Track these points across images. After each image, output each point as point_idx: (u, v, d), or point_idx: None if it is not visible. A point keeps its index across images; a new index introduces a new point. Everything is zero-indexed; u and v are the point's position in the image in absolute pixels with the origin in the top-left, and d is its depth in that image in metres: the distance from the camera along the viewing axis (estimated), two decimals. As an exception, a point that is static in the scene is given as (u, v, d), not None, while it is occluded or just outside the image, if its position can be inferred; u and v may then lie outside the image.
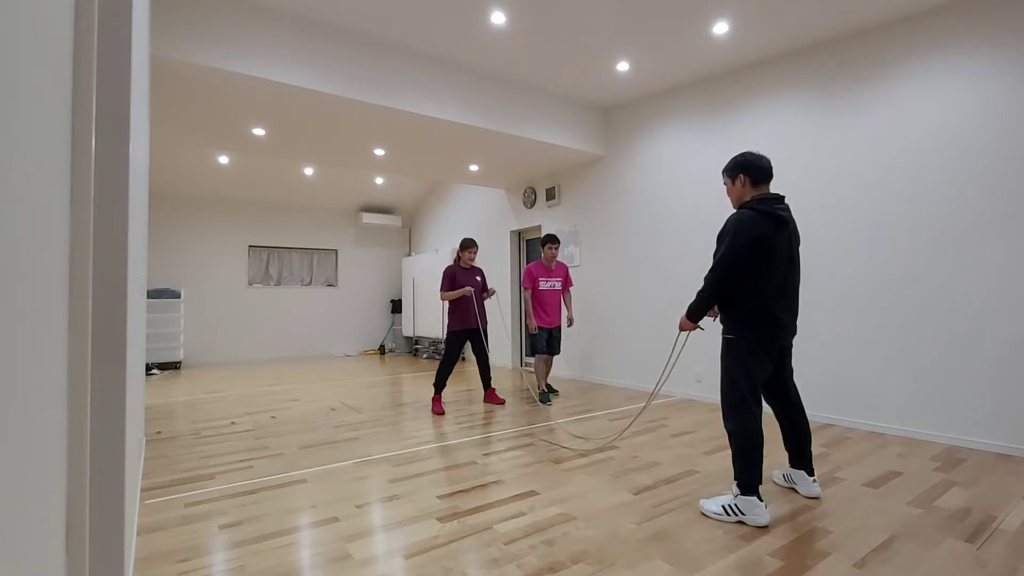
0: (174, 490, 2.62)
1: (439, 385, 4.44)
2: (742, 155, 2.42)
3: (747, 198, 2.40)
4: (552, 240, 4.81)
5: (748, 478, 2.21)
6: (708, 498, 2.42)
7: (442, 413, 4.31)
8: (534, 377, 5.91)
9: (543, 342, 4.81)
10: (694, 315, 2.41)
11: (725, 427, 2.34)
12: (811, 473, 2.51)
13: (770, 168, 2.40)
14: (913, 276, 3.56)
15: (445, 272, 4.53)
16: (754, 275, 2.27)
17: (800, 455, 2.52)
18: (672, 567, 1.84)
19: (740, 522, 2.20)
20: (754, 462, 2.22)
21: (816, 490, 2.48)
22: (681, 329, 2.50)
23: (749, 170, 2.39)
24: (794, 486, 2.56)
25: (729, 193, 2.48)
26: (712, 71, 4.70)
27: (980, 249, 3.29)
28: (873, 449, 3.26)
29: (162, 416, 4.35)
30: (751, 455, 2.22)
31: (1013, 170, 3.17)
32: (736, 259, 2.25)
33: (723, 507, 2.24)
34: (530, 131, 5.12)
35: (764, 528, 2.15)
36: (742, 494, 2.21)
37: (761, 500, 2.19)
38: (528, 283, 4.80)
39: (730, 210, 4.60)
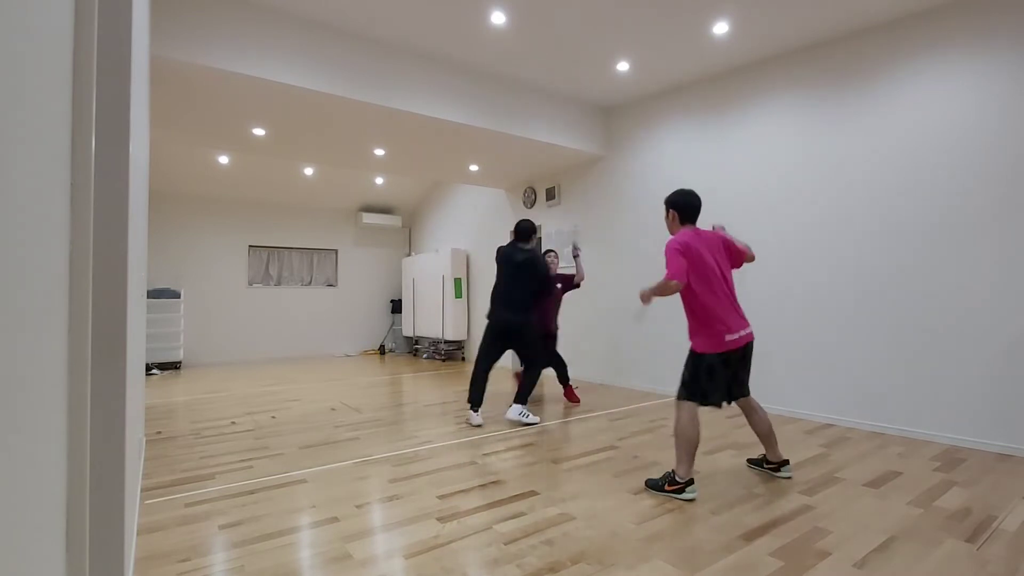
0: (174, 490, 2.62)
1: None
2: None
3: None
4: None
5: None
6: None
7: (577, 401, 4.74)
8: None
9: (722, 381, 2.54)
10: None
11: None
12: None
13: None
14: (913, 275, 3.56)
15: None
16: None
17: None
18: (672, 567, 1.84)
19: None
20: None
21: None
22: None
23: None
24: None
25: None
26: (712, 71, 4.70)
27: (980, 248, 3.29)
28: (873, 449, 3.26)
29: (162, 416, 4.35)
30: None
31: (1013, 169, 3.17)
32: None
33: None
34: (530, 131, 5.12)
35: (764, 527, 2.15)
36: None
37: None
38: (678, 272, 2.44)
39: (730, 211, 4.61)
